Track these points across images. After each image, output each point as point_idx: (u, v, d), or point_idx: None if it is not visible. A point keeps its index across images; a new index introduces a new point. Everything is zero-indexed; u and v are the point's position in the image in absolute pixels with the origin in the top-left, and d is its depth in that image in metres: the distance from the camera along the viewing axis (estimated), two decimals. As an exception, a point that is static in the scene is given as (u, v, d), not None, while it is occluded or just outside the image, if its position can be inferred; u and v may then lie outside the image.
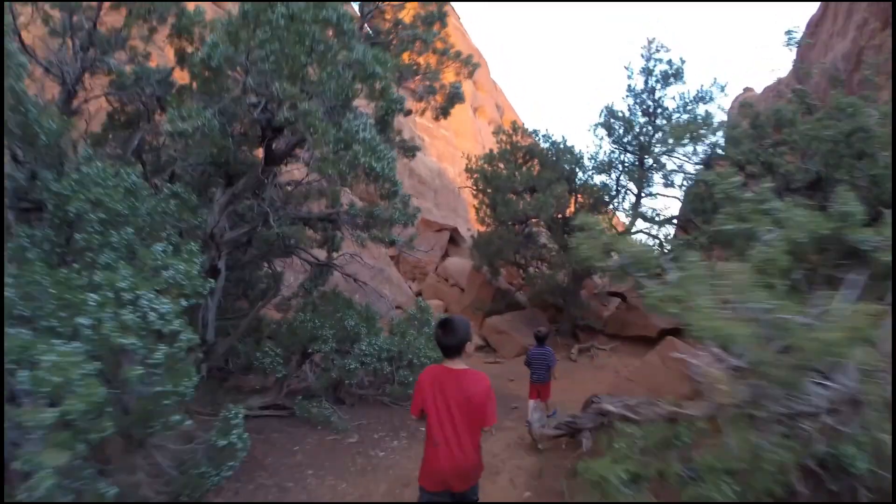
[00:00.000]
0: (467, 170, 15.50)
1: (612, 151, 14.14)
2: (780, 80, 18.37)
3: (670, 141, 11.10)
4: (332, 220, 7.19)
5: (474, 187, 15.09)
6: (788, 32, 14.03)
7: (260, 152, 6.52)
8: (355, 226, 6.76)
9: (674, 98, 13.55)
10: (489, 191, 14.22)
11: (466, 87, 37.87)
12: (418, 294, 22.61)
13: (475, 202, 16.89)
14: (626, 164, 13.78)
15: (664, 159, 13.25)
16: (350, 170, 4.10)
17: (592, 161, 14.19)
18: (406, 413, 7.12)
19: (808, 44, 16.41)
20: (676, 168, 12.98)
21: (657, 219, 13.19)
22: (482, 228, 16.56)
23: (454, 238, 25.89)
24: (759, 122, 9.30)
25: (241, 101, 5.22)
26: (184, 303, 4.02)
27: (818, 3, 17.62)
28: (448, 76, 8.06)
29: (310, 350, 6.59)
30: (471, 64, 7.83)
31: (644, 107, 13.78)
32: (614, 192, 13.88)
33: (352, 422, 6.77)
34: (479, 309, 16.86)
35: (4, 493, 2.86)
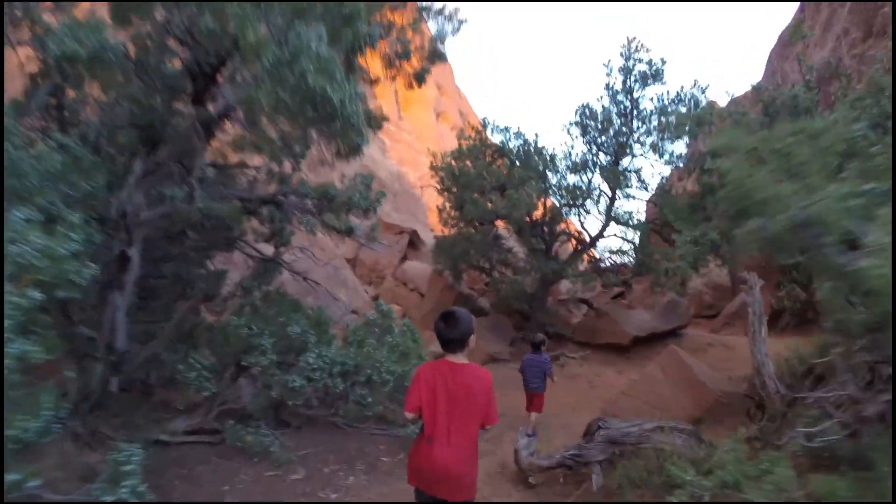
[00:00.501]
0: (432, 168, 14.28)
1: (587, 152, 13.22)
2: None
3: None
4: (278, 203, 5.79)
5: (439, 185, 13.87)
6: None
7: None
8: (305, 210, 5.37)
9: (651, 99, 12.80)
10: (455, 189, 13.01)
11: (430, 91, 36.83)
12: (375, 298, 21.21)
13: (438, 203, 15.68)
14: (601, 165, 12.88)
15: (641, 159, 12.44)
16: (293, 98, 2.79)
17: (566, 160, 13.24)
18: (365, 440, 5.78)
19: (782, 54, 16.12)
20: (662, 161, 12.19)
21: (631, 222, 12.30)
22: (445, 231, 15.35)
23: (414, 242, 24.59)
24: (773, 108, 8.44)
25: (162, 32, 3.83)
26: (38, 296, 2.63)
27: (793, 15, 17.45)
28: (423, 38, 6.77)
29: (244, 362, 5.17)
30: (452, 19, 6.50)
31: (621, 107, 12.93)
32: (587, 193, 12.93)
33: (297, 450, 5.38)
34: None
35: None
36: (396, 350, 5.78)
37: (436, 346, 12.86)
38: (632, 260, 12.06)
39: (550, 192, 13.42)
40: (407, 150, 38.02)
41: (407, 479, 2.79)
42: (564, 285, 16.93)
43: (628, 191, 12.57)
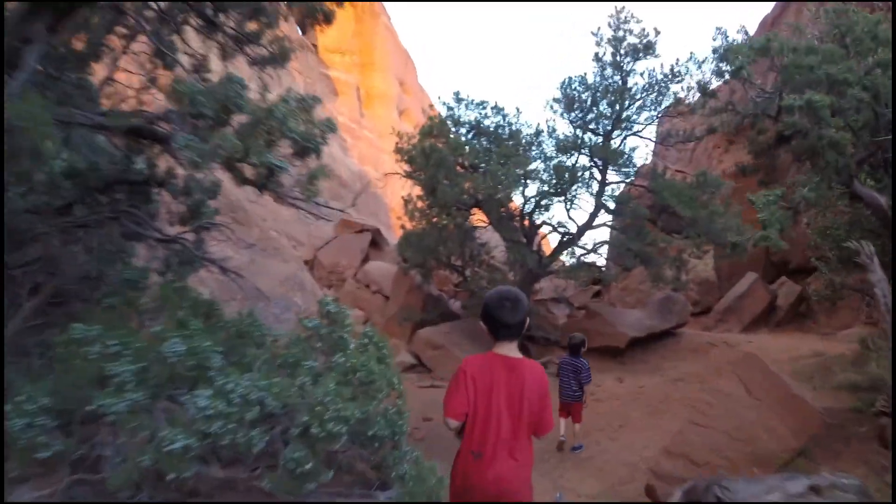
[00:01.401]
0: (398, 150, 12.06)
1: (574, 131, 11.33)
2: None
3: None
4: (160, 138, 3.51)
5: (407, 168, 11.67)
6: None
7: None
8: (196, 130, 3.09)
9: (643, 74, 11.08)
10: (425, 171, 10.82)
11: (393, 88, 34.71)
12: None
13: (404, 193, 13.49)
14: (591, 145, 11.00)
15: (634, 139, 10.65)
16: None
17: (551, 138, 11.32)
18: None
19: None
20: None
21: (625, 210, 10.44)
22: (412, 225, 13.12)
23: (376, 241, 22.30)
24: (855, 35, 6.67)
25: None
26: None
27: (774, 3, 16.18)
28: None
29: (92, 405, 2.89)
30: None
31: (611, 80, 11.10)
32: (575, 177, 10.99)
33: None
34: (407, 319, 13.39)
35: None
36: (352, 376, 3.59)
37: (402, 358, 10.16)
38: (629, 250, 10.19)
39: (534, 174, 11.46)
40: (368, 147, 35.68)
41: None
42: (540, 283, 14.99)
43: (624, 170, 10.72)
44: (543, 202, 11.81)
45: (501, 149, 10.20)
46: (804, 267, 14.20)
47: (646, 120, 11.07)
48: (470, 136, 11.91)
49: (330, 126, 4.09)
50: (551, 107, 11.82)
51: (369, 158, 35.37)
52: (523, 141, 11.46)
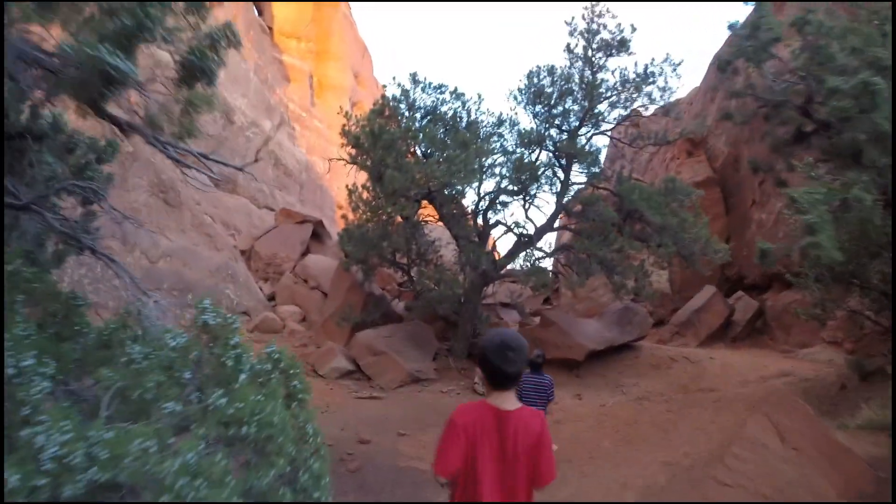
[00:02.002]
0: (344, 132, 10.54)
1: (539, 125, 10.20)
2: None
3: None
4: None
5: (352, 152, 10.18)
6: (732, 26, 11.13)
7: None
8: None
9: (614, 72, 10.10)
10: (373, 156, 9.38)
11: (347, 79, 32.69)
12: (271, 298, 17.02)
13: (349, 182, 11.97)
14: (556, 141, 9.91)
15: (601, 138, 9.65)
16: None
17: (514, 132, 10.15)
18: None
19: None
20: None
21: (591, 212, 9.36)
22: (355, 217, 11.60)
23: (318, 233, 20.56)
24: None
25: None
26: None
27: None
28: None
29: None
30: None
31: (583, 74, 10.04)
32: (537, 175, 9.85)
33: None
34: (346, 319, 11.84)
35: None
36: (236, 429, 2.18)
37: (338, 363, 8.21)
38: (593, 256, 9.12)
39: (492, 169, 10.27)
40: (317, 138, 33.62)
41: None
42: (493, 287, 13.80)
43: (592, 170, 9.66)
44: (500, 199, 10.64)
45: (459, 135, 8.92)
46: (759, 283, 13.75)
47: (615, 118, 10.08)
48: (425, 122, 10.58)
49: (231, 36, 2.66)
50: (515, 97, 10.68)
51: (317, 149, 33.33)
52: (482, 132, 10.24)
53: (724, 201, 14.85)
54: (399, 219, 9.95)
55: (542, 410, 5.35)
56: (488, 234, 10.64)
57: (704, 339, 12.15)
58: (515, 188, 10.17)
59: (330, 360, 10.18)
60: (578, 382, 9.37)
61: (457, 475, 1.94)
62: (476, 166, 8.53)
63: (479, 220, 10.91)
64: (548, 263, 11.91)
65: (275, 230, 20.78)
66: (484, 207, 10.65)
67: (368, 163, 9.50)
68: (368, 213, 10.80)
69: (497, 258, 10.68)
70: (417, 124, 10.29)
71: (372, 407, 8.12)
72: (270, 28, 35.46)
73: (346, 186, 11.80)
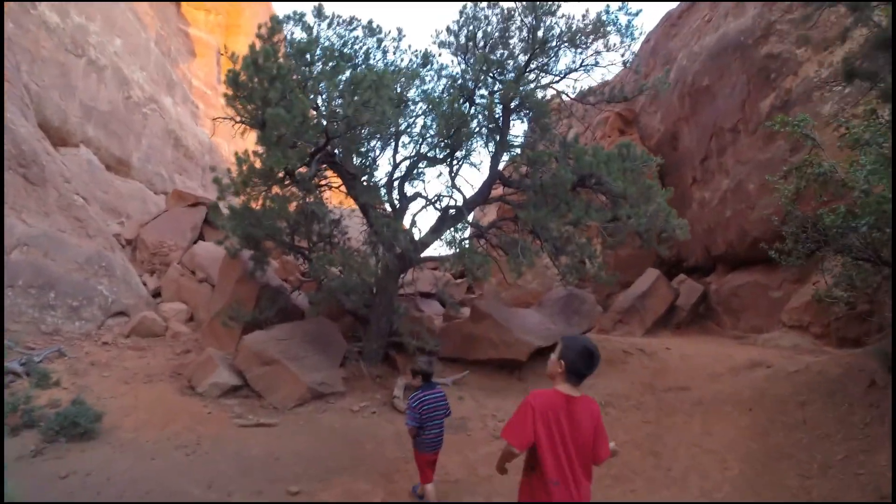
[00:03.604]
0: (229, 73, 7.63)
1: (472, 75, 7.92)
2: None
3: None
4: None
5: (236, 97, 7.35)
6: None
7: None
8: None
9: (564, 17, 8.04)
10: (252, 104, 6.68)
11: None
12: (156, 294, 13.59)
13: (240, 150, 9.08)
14: (492, 90, 7.73)
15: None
16: None
17: (442, 78, 7.86)
18: None
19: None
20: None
21: (544, 174, 7.28)
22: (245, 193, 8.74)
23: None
24: None
25: None
26: None
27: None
28: None
29: None
30: None
31: (523, 17, 7.89)
32: (469, 131, 7.60)
33: None
34: (234, 318, 9.01)
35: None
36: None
37: (220, 377, 5.32)
38: (543, 231, 6.98)
39: (413, 129, 7.91)
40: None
41: None
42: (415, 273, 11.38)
43: (542, 121, 7.54)
44: (422, 165, 8.32)
45: (370, 74, 6.46)
46: (701, 265, 12.49)
47: (566, 68, 8.01)
48: (331, 65, 7.98)
49: None
50: (441, 41, 8.34)
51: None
52: (402, 79, 7.83)
53: (661, 180, 13.52)
54: (291, 189, 7.36)
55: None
56: (406, 210, 8.28)
57: (650, 326, 10.59)
58: (439, 152, 7.88)
59: (209, 374, 7.43)
60: (523, 389, 7.26)
61: (526, 449, 2.27)
62: (390, 109, 6.12)
63: (395, 195, 8.50)
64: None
65: (164, 215, 17.14)
66: (401, 176, 8.29)
67: (251, 107, 6.80)
68: (258, 184, 8.07)
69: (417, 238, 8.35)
70: (318, 67, 7.67)
71: (259, 440, 5.57)
72: (178, -4, 31.02)
73: (235, 154, 8.93)
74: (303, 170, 7.54)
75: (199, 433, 5.67)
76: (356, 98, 5.72)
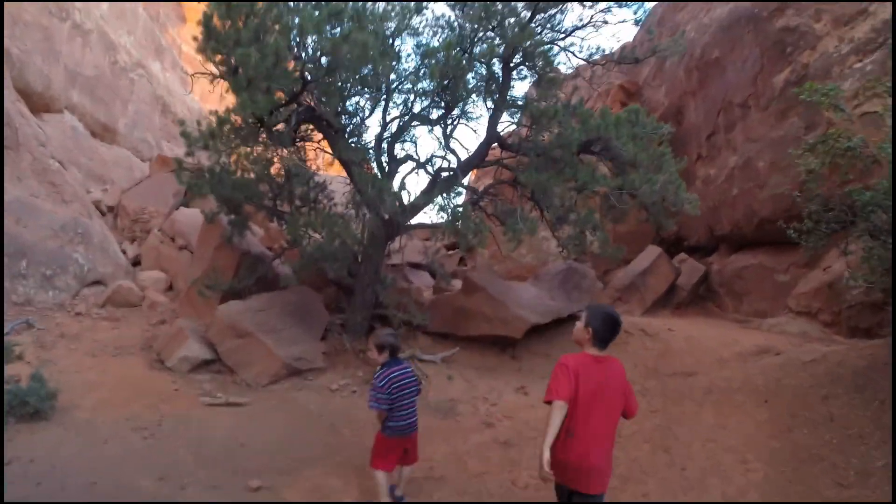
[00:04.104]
0: (203, 16, 6.77)
1: (472, 23, 7.12)
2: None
3: None
4: None
5: (209, 42, 6.54)
6: None
7: None
8: None
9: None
10: (224, 48, 5.88)
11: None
12: (136, 263, 12.84)
13: (218, 110, 8.26)
14: (493, 41, 6.95)
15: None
16: None
17: (441, 27, 7.07)
18: None
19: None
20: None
21: (550, 132, 6.57)
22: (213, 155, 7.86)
23: (203, 186, 16.36)
24: None
25: None
26: None
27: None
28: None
29: None
30: None
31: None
32: (467, 86, 6.84)
33: None
34: (212, 287, 8.31)
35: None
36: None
37: (190, 350, 5.06)
38: (545, 195, 6.29)
39: (404, 84, 7.14)
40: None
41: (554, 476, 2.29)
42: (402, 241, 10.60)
43: (549, 76, 6.78)
44: (415, 125, 7.57)
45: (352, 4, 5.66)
46: (703, 245, 11.89)
47: (572, 25, 7.19)
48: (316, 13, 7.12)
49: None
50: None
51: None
52: (393, 26, 7.02)
53: (664, 156, 12.85)
54: (266, 147, 6.61)
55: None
56: (395, 173, 7.54)
57: (650, 305, 10.02)
58: (433, 110, 7.12)
59: (179, 347, 6.78)
60: (517, 369, 6.66)
61: (568, 400, 2.35)
62: (375, 44, 5.35)
63: (385, 158, 7.75)
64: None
65: (148, 181, 16.28)
66: (390, 137, 7.54)
67: (224, 51, 6.00)
68: (236, 144, 7.28)
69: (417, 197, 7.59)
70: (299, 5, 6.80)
71: (225, 422, 4.95)
72: (164, -42, 29.45)
73: (211, 113, 8.09)
74: (280, 127, 6.80)
75: (163, 413, 5.06)
76: (336, 31, 4.96)
